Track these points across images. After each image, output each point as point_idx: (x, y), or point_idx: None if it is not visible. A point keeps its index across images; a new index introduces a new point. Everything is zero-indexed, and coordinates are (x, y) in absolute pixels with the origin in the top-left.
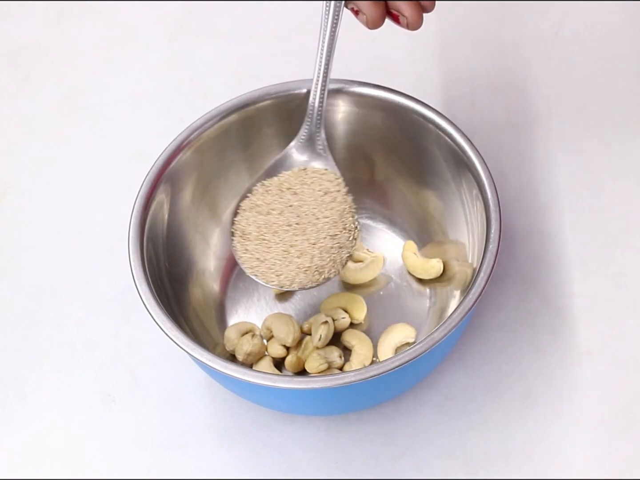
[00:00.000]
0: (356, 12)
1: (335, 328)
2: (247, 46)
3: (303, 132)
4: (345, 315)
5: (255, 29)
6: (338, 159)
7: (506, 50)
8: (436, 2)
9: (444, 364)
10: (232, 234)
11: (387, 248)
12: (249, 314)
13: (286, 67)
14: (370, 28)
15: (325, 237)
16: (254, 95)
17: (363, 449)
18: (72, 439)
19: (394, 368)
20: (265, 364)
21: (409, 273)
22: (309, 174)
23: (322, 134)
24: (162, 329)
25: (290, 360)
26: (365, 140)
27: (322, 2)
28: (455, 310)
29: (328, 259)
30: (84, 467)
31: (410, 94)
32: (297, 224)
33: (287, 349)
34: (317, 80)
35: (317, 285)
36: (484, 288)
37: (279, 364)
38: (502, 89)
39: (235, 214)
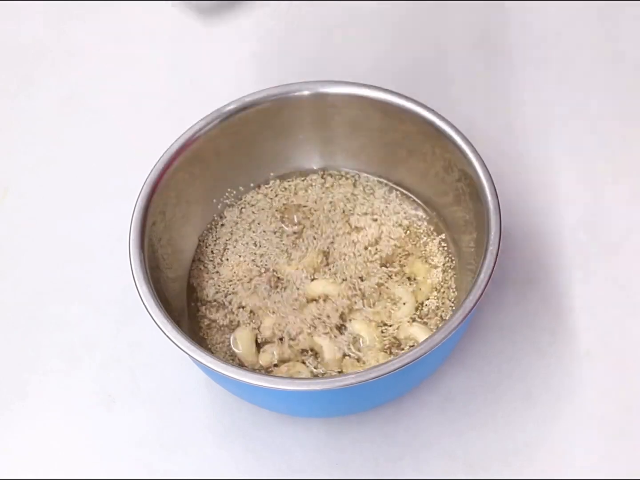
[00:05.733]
0: None
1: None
2: (248, 47)
3: None
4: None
5: (256, 29)
6: (339, 161)
7: (506, 51)
8: (436, 2)
9: (444, 365)
10: None
11: None
12: None
13: (286, 69)
14: None
15: None
16: (255, 97)
17: (363, 450)
18: (73, 439)
19: (395, 370)
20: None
21: None
22: None
23: None
24: (162, 330)
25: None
26: (365, 142)
27: None
28: (455, 311)
29: None
30: (84, 467)
31: (409, 96)
32: None
33: None
34: None
35: None
36: (484, 289)
37: None
38: (502, 90)
39: None
